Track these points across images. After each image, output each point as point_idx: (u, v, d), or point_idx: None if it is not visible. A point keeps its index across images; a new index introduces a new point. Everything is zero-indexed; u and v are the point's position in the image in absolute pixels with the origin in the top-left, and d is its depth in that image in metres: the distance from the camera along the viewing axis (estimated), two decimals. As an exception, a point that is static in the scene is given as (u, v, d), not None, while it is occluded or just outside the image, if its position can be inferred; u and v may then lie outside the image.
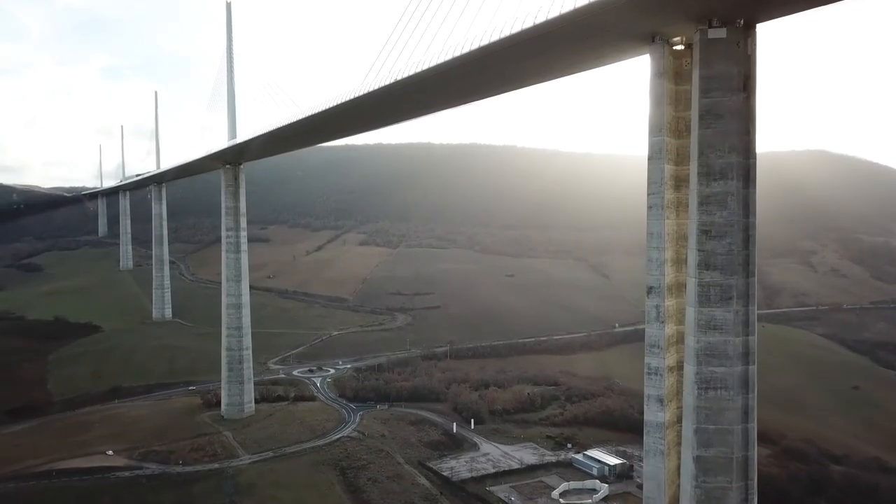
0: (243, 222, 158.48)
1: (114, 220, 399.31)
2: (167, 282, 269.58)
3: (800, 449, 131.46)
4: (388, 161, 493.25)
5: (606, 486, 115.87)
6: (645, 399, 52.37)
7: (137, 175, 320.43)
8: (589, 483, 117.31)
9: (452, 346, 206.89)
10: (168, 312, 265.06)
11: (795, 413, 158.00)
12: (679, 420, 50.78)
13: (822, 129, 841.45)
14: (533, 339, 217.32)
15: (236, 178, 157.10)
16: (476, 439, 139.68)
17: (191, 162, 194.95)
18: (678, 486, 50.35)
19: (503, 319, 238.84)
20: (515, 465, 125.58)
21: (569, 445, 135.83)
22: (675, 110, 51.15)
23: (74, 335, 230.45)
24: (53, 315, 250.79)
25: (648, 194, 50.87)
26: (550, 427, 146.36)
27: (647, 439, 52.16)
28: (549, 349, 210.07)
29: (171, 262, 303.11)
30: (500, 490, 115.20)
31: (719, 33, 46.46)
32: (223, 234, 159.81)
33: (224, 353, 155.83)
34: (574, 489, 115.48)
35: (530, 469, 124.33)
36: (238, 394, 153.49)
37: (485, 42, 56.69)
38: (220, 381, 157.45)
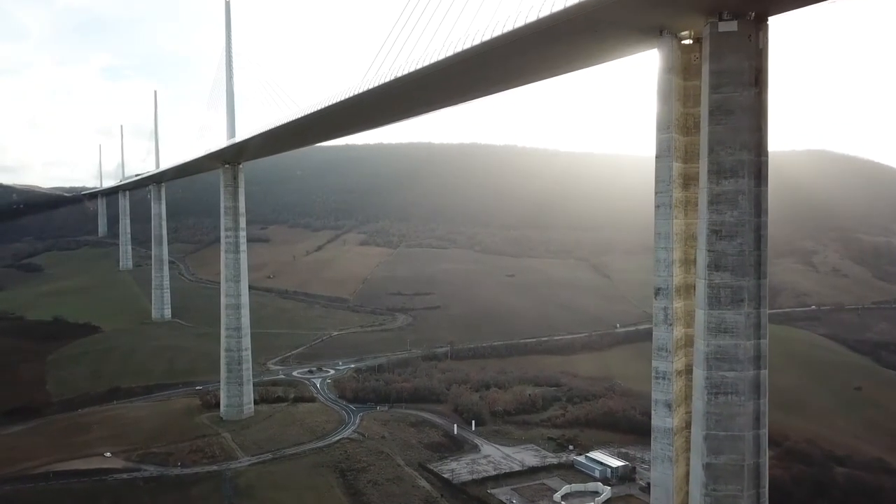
0: (242, 222, 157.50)
1: (114, 220, 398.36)
2: (167, 282, 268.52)
3: (803, 450, 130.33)
4: (389, 161, 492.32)
5: (609, 488, 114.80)
6: (652, 404, 51.04)
7: (137, 175, 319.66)
8: (591, 485, 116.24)
9: (453, 346, 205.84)
10: (167, 313, 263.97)
11: (797, 414, 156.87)
12: (687, 425, 49.43)
13: (823, 128, 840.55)
14: (534, 340, 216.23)
15: (235, 178, 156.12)
16: (477, 441, 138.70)
17: (189, 161, 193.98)
18: (686, 493, 49.12)
19: (504, 320, 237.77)
20: (517, 467, 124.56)
21: (570, 447, 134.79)
22: (683, 106, 49.89)
23: (74, 335, 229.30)
24: (53, 315, 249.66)
25: (656, 193, 49.50)
26: (552, 428, 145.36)
27: (655, 445, 50.80)
28: (550, 349, 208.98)
29: (171, 262, 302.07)
30: (502, 492, 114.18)
31: (730, 26, 45.16)
32: (222, 233, 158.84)
33: (223, 354, 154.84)
34: (576, 491, 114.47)
35: (532, 471, 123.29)
36: (237, 395, 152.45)
37: (487, 37, 55.53)
38: (219, 381, 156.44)
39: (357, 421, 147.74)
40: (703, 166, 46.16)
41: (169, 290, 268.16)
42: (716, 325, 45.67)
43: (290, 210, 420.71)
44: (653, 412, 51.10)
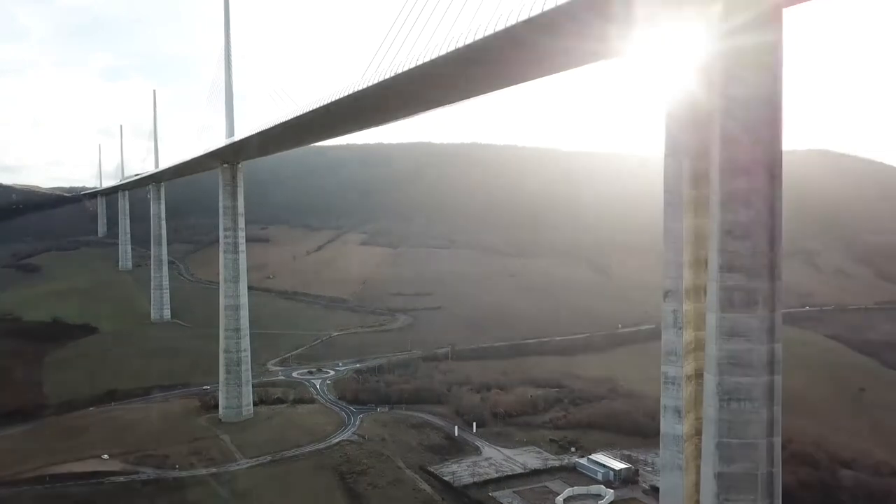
0: (241, 222, 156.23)
1: (113, 221, 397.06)
2: (166, 282, 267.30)
3: (808, 453, 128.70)
4: (389, 161, 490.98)
5: (612, 491, 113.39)
6: (661, 410, 49.40)
7: (136, 175, 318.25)
8: (594, 488, 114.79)
9: (453, 347, 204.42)
10: (167, 313, 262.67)
11: (801, 415, 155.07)
12: (697, 432, 47.82)
13: (825, 128, 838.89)
14: (535, 340, 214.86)
15: (234, 178, 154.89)
16: (478, 443, 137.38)
17: (188, 161, 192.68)
18: (697, 502, 47.55)
19: (505, 320, 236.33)
20: (518, 470, 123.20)
21: (573, 449, 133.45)
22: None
23: (72, 337, 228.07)
24: (51, 316, 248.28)
25: (665, 192, 47.74)
26: (554, 430, 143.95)
27: (664, 453, 49.14)
28: (552, 350, 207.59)
29: (171, 263, 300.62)
30: (503, 496, 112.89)
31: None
32: (221, 234, 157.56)
33: (222, 355, 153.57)
34: (579, 494, 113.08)
35: (534, 474, 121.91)
36: (236, 396, 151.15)
37: (490, 32, 54.17)
38: (218, 383, 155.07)
39: (357, 423, 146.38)
40: (715, 164, 44.50)
41: (168, 291, 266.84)
42: (728, 328, 44.02)
43: (291, 210, 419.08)
44: (662, 419, 49.48)
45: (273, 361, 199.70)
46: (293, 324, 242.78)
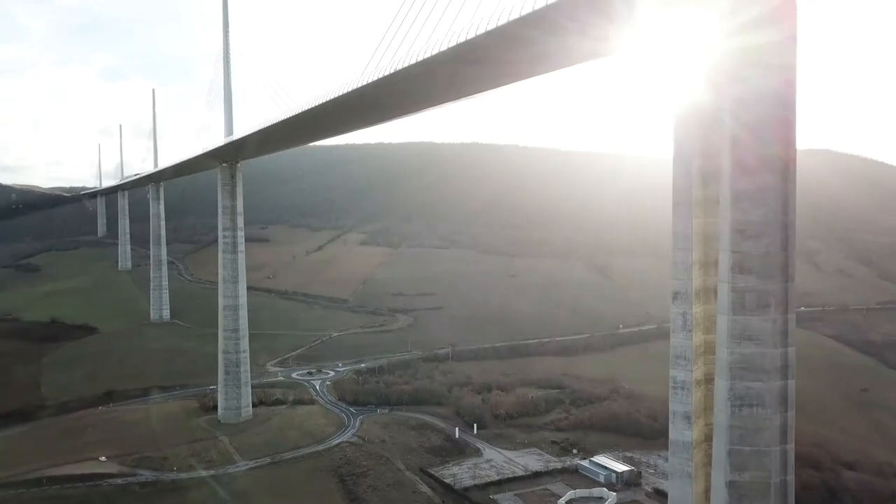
0: (240, 222, 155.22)
1: (113, 220, 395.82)
2: (165, 282, 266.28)
3: (811, 455, 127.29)
4: (390, 160, 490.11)
5: (614, 494, 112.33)
6: (670, 416, 48.02)
7: (136, 174, 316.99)
8: (596, 491, 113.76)
9: (454, 347, 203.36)
10: (166, 314, 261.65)
11: (804, 416, 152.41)
12: (707, 438, 46.52)
13: (826, 127, 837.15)
14: (536, 341, 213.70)
15: (233, 177, 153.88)
16: (479, 444, 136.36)
17: (187, 160, 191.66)
18: (706, 510, 46.47)
19: (505, 320, 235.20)
20: (520, 472, 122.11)
21: (574, 451, 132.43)
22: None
23: (70, 337, 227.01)
24: (50, 316, 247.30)
25: (674, 191, 46.33)
26: (555, 432, 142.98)
27: (673, 460, 47.78)
28: (553, 350, 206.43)
29: (171, 263, 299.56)
30: (505, 498, 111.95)
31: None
32: (220, 233, 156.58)
33: (221, 356, 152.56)
34: (581, 497, 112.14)
35: (535, 476, 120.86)
36: (235, 397, 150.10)
37: (492, 27, 53.12)
38: (217, 384, 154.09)
39: (357, 424, 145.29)
40: (726, 162, 43.19)
41: (167, 291, 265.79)
42: (740, 332, 42.62)
43: (291, 210, 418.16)
44: (671, 424, 48.09)
45: (272, 362, 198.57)
46: (293, 324, 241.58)
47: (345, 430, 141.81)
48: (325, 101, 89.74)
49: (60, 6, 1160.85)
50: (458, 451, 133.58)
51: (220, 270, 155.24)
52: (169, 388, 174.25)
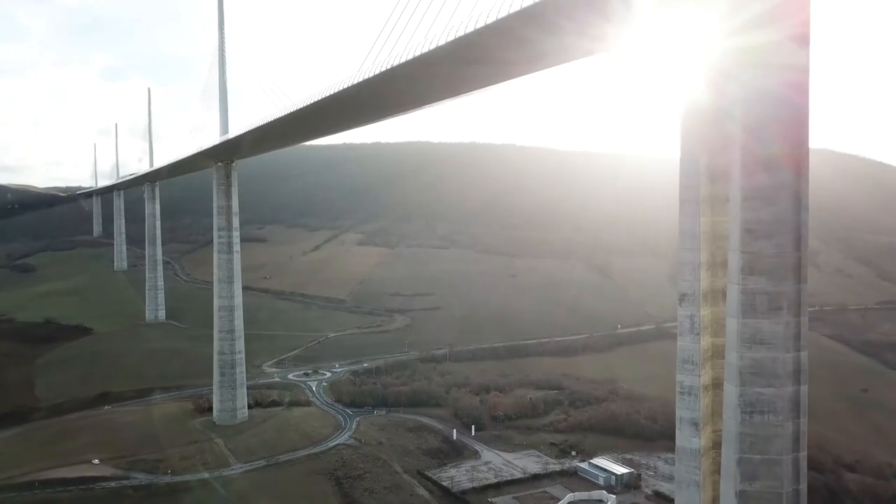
0: (236, 221, 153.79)
1: (109, 220, 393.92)
2: (161, 283, 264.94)
3: (813, 457, 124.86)
4: (388, 160, 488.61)
5: (614, 496, 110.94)
6: (677, 422, 46.34)
7: (131, 174, 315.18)
8: (596, 494, 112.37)
9: (452, 348, 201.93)
10: (161, 314, 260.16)
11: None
12: (715, 445, 44.92)
13: (826, 127, 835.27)
14: (535, 341, 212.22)
15: (228, 176, 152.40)
16: (477, 447, 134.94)
17: (182, 159, 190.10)
18: (715, 520, 44.95)
19: (504, 321, 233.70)
20: (518, 475, 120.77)
21: (573, 453, 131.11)
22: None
23: (65, 338, 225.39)
24: (44, 317, 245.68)
25: (681, 187, 44.53)
26: (554, 433, 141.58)
27: (680, 468, 46.14)
28: (551, 351, 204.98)
29: (166, 263, 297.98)
30: (503, 501, 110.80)
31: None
32: (215, 233, 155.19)
33: (216, 357, 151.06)
34: (580, 500, 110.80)
35: (534, 478, 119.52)
36: (230, 399, 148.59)
37: (490, 20, 51.71)
38: (213, 385, 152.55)
39: (353, 426, 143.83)
40: (735, 158, 41.54)
41: (163, 291, 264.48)
42: (751, 335, 40.90)
43: (288, 209, 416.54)
44: (677, 431, 46.42)
45: (269, 363, 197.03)
46: (289, 325, 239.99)
47: (341, 431, 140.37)
48: (320, 98, 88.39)
49: (60, 6, 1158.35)
50: (456, 453, 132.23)
51: (216, 271, 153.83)
52: (164, 390, 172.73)
